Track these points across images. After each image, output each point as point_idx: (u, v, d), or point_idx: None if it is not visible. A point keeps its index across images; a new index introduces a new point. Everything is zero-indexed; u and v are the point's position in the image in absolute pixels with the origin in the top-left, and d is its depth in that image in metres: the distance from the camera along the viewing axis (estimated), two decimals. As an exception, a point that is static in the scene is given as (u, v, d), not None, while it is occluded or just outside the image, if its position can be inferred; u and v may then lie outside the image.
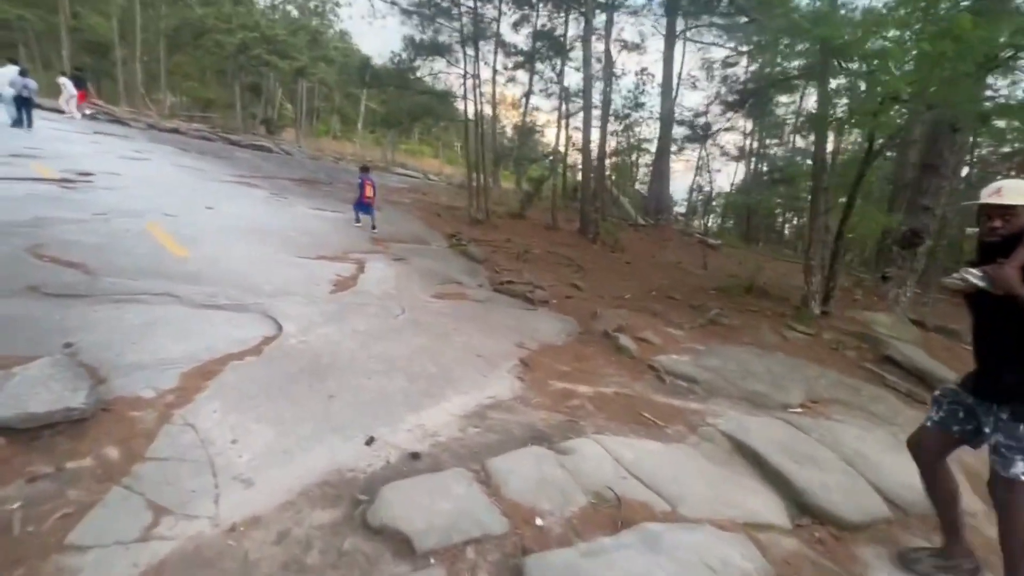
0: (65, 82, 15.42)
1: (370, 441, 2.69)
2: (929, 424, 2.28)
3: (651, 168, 18.74)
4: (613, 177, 17.61)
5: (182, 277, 4.43)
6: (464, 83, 11.21)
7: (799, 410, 3.78)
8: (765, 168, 22.69)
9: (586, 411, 3.41)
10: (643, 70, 19.32)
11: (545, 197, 14.67)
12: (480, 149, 11.47)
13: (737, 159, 23.39)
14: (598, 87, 11.80)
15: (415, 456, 2.61)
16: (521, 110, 20.23)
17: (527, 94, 19.43)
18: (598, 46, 12.90)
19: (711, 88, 23.64)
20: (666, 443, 3.01)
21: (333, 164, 20.45)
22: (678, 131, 20.25)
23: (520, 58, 14.98)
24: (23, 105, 10.79)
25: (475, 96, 10.86)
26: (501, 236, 9.86)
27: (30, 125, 11.07)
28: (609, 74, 11.33)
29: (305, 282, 4.99)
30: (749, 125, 23.55)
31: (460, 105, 15.51)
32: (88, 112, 16.15)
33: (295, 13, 33.61)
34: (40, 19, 23.14)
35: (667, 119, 16.58)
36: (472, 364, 3.97)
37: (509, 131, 26.59)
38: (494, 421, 3.13)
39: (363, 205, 8.38)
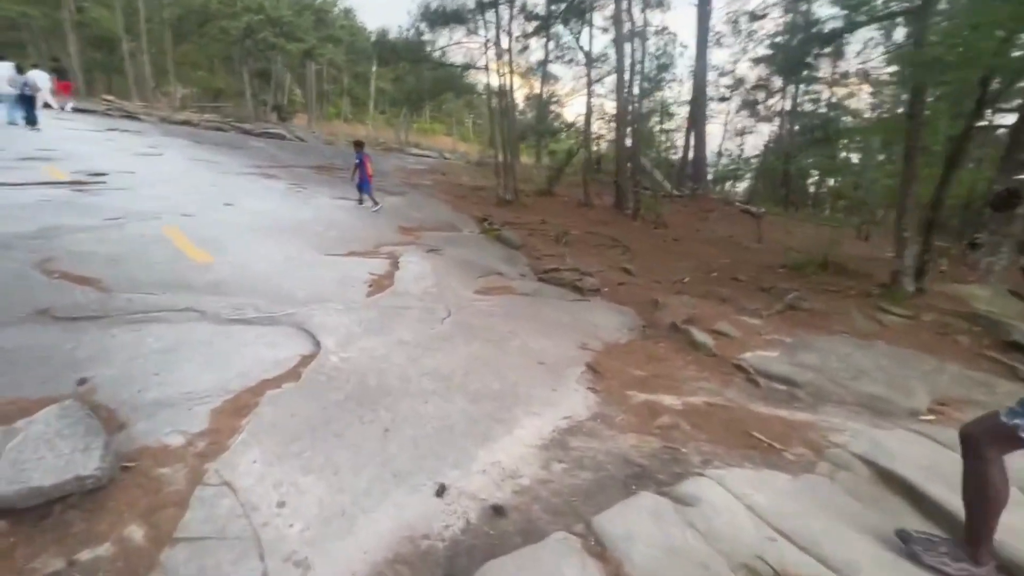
0: (38, 75, 15.03)
1: (441, 491, 2.22)
2: None
3: (685, 133, 17.62)
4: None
5: (205, 287, 3.99)
6: (485, 53, 10.43)
7: (931, 417, 3.19)
8: (797, 128, 21.28)
9: (683, 432, 2.88)
10: (663, 29, 18.06)
11: (570, 172, 13.90)
12: (505, 124, 10.75)
13: (769, 120, 21.95)
14: (626, 49, 10.83)
15: (499, 511, 2.13)
16: (538, 80, 19.17)
17: (544, 62, 18.40)
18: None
19: (737, 44, 22.17)
20: (795, 476, 2.46)
21: (348, 148, 19.89)
22: (720, 93, 18.95)
23: (537, 22, 13.95)
24: (26, 104, 10.43)
25: (498, 67, 10.09)
26: (534, 217, 9.25)
27: (35, 124, 10.72)
28: (642, 34, 10.38)
29: (339, 284, 4.52)
30: (778, 83, 22.04)
31: (478, 78, 14.70)
32: (59, 104, 15.54)
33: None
34: (45, 15, 22.74)
35: (701, 78, 15.32)
36: (536, 375, 3.47)
37: (521, 104, 25.44)
38: (579, 452, 2.63)
39: (363, 183, 8.19)
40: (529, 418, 2.91)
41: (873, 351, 4.05)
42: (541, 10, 13.99)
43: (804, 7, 18.56)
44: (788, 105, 21.03)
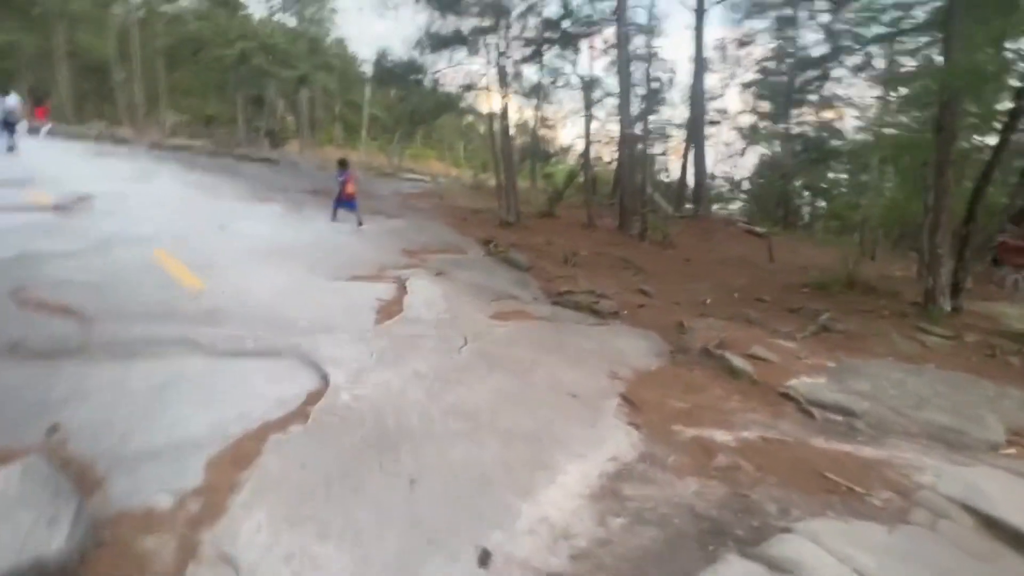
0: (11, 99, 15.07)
1: (485, 559, 1.85)
2: None
3: (683, 155, 17.70)
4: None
5: (199, 316, 3.63)
6: (485, 75, 10.37)
7: (1011, 451, 2.88)
8: (791, 150, 21.56)
9: (747, 475, 2.53)
10: (653, 55, 18.29)
11: (568, 195, 13.77)
12: (507, 147, 10.62)
13: (766, 141, 22.19)
14: (626, 72, 10.82)
15: (559, 585, 1.76)
16: (534, 104, 19.27)
17: (539, 87, 18.52)
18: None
19: (726, 70, 22.58)
20: (890, 527, 2.13)
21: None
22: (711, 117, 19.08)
23: (536, 46, 14.01)
24: (8, 129, 10.24)
25: (499, 88, 10.01)
26: (538, 239, 9.00)
27: (15, 149, 10.45)
28: (643, 57, 10.40)
29: (344, 311, 4.17)
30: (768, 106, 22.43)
31: (476, 101, 14.67)
32: (46, 129, 15.51)
33: (293, 22, 32.89)
34: (36, 44, 22.61)
35: (699, 100, 15.42)
36: (570, 410, 3.12)
37: (513, 130, 25.62)
38: (637, 502, 2.27)
39: (346, 202, 8.07)
40: (572, 462, 2.55)
41: (926, 376, 3.76)
42: (536, 35, 14.04)
43: (791, 33, 19.05)
44: (782, 127, 21.29)
